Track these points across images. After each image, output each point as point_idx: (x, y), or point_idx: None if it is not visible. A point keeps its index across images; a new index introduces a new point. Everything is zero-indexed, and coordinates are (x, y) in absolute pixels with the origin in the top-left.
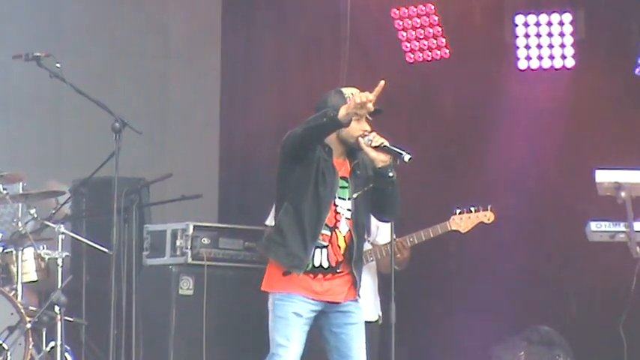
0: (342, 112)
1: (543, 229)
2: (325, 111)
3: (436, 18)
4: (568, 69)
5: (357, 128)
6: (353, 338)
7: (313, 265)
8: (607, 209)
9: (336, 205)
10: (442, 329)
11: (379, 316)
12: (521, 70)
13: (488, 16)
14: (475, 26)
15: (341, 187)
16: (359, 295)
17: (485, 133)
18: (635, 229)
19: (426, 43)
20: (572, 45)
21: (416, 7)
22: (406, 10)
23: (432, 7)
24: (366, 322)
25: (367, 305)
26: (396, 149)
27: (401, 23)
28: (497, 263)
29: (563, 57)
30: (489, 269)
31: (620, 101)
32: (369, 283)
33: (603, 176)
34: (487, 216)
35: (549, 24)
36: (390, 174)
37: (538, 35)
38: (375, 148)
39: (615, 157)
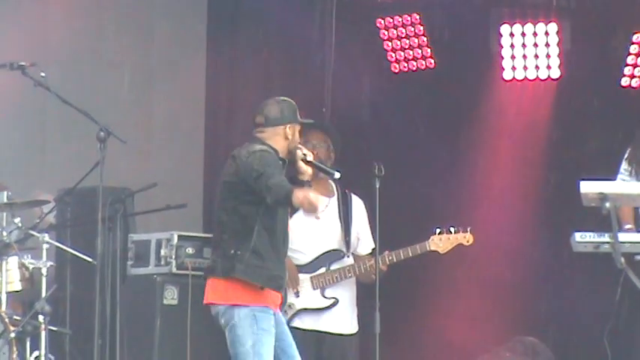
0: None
1: (528, 239)
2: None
3: (421, 28)
4: (554, 79)
5: (298, 139)
6: (292, 341)
7: None
8: (591, 220)
9: None
10: (426, 340)
11: (357, 328)
12: (506, 81)
13: (474, 27)
14: (461, 36)
15: None
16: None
17: (470, 144)
18: (620, 239)
19: (411, 53)
20: (558, 55)
21: (401, 17)
22: (391, 20)
23: (418, 17)
24: (346, 335)
25: (346, 318)
26: (325, 167)
27: (386, 33)
28: (482, 274)
29: (549, 67)
30: (474, 280)
31: (605, 112)
32: (347, 296)
33: (588, 187)
34: (466, 238)
35: (535, 34)
36: (309, 186)
37: (524, 45)
38: (306, 162)
39: (600, 168)
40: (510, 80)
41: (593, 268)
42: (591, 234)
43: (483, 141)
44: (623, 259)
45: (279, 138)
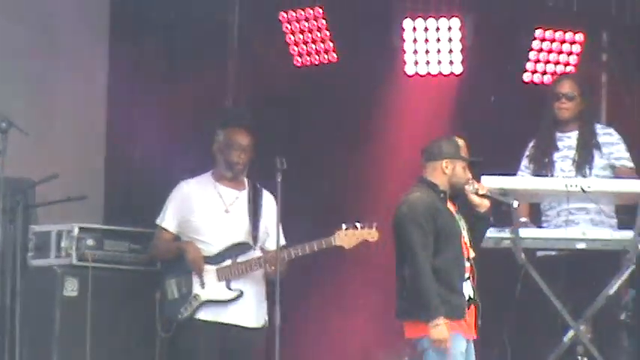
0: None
1: None
2: (431, 306)
3: (324, 21)
4: (456, 75)
5: (465, 175)
6: None
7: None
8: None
9: (463, 237)
10: (328, 333)
11: (265, 321)
12: (409, 76)
13: (377, 21)
14: (363, 30)
15: (460, 220)
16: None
17: (371, 139)
18: (520, 235)
19: (314, 46)
20: (461, 51)
21: (304, 11)
22: (294, 14)
23: (320, 10)
24: (251, 328)
25: (251, 311)
26: (500, 197)
27: (289, 26)
28: (383, 268)
29: (452, 63)
30: (375, 274)
31: (508, 107)
32: (253, 289)
33: (489, 182)
34: (371, 234)
35: (438, 29)
36: (490, 218)
37: (426, 41)
38: (481, 195)
39: (502, 164)
40: (413, 75)
41: (494, 263)
42: (492, 229)
43: (386, 136)
44: (523, 255)
45: (437, 173)
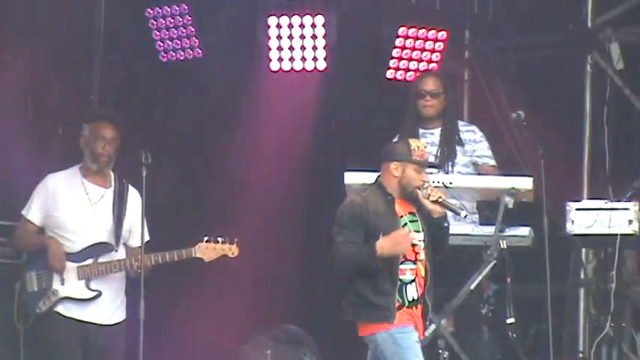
0: (381, 252)
1: (292, 229)
2: (369, 254)
3: (190, 18)
4: (320, 71)
5: (417, 178)
6: None
7: (409, 301)
8: None
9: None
10: (192, 328)
11: (123, 318)
12: (273, 72)
13: (242, 17)
14: (229, 26)
15: (412, 222)
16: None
17: (235, 133)
18: None
19: (179, 42)
20: (325, 47)
21: (170, 7)
22: (160, 10)
23: (186, 7)
24: (115, 324)
25: (110, 310)
26: (452, 206)
27: (155, 22)
28: (247, 263)
29: (315, 59)
30: (238, 270)
31: (370, 103)
32: (113, 288)
33: (352, 178)
34: (232, 250)
35: (302, 26)
36: (445, 224)
37: (291, 37)
38: (432, 202)
39: (364, 159)
40: (277, 71)
41: None
42: None
43: (250, 131)
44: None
45: (388, 175)
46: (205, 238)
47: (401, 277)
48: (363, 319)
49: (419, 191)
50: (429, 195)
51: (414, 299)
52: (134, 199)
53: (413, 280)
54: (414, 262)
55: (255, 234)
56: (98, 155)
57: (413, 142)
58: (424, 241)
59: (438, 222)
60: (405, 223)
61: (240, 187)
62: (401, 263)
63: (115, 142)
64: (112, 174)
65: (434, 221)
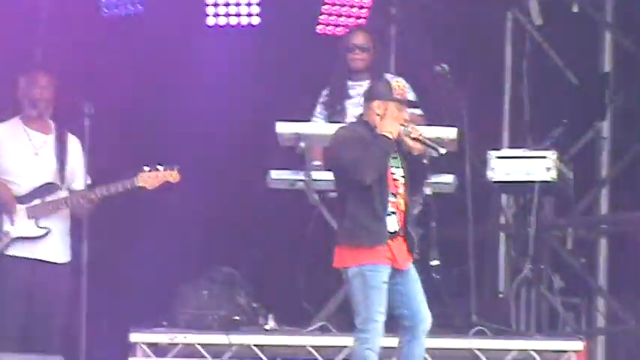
0: (394, 136)
1: (230, 178)
2: (380, 149)
3: None
4: (254, 26)
5: (398, 117)
6: (418, 293)
7: (390, 232)
8: (289, 159)
9: (393, 174)
10: (133, 270)
11: (70, 257)
12: (209, 27)
13: None
14: None
15: (392, 158)
16: (416, 254)
17: (175, 87)
18: (313, 177)
19: None
20: (258, 3)
21: None
22: None
23: None
24: (59, 264)
25: (59, 247)
26: (431, 143)
27: None
28: (187, 210)
29: (249, 15)
30: (179, 214)
31: (302, 57)
32: (60, 226)
33: (284, 128)
34: (172, 175)
35: None
36: (425, 161)
37: None
38: (412, 139)
39: (298, 110)
40: (213, 26)
41: (288, 203)
42: (287, 172)
43: (187, 84)
44: (315, 196)
45: (371, 113)
46: (146, 168)
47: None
48: (356, 242)
49: (401, 129)
50: (410, 132)
51: (395, 231)
52: (74, 144)
53: (393, 212)
54: (395, 196)
55: (193, 184)
56: (36, 101)
57: (394, 82)
58: (404, 177)
59: (418, 159)
60: (393, 158)
61: (180, 136)
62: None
63: (50, 89)
64: (51, 122)
65: (413, 158)
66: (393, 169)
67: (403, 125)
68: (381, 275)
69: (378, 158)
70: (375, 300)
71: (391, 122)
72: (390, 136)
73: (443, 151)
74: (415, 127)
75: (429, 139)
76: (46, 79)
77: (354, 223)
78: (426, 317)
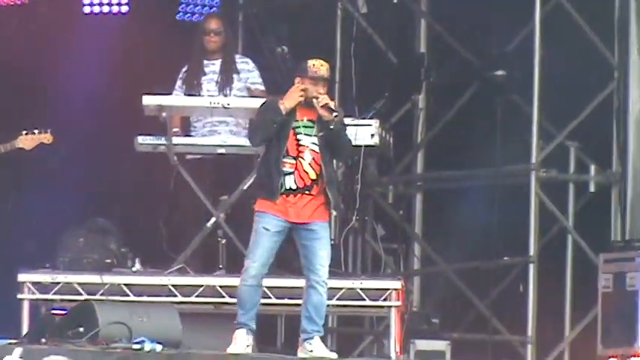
0: (286, 106)
1: (103, 143)
2: (271, 115)
3: None
4: (123, 13)
5: (313, 90)
6: (318, 250)
7: (285, 189)
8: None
9: (298, 140)
10: (19, 220)
11: None
12: (86, 14)
13: None
14: None
15: (306, 127)
16: (333, 212)
17: (58, 66)
18: (173, 142)
19: None
20: None
21: None
22: None
23: None
24: None
25: None
26: (332, 107)
27: None
28: (70, 170)
29: (120, 4)
30: (63, 174)
31: (164, 41)
32: None
33: (149, 100)
34: (47, 137)
35: None
36: (331, 127)
37: None
38: (321, 106)
39: (160, 87)
40: (89, 14)
41: (145, 167)
42: (151, 137)
43: (67, 64)
44: (175, 157)
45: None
46: (24, 132)
47: (282, 168)
48: (257, 195)
49: (315, 100)
50: (319, 102)
51: (291, 188)
52: None
53: (291, 173)
54: (295, 158)
55: (76, 147)
56: None
57: (310, 61)
58: (319, 146)
59: (327, 124)
60: (299, 127)
61: (58, 111)
62: (283, 157)
63: None
64: None
65: (325, 123)
66: (300, 136)
67: (315, 97)
68: (265, 222)
69: (265, 124)
70: (256, 242)
71: (290, 95)
72: (282, 107)
73: (335, 114)
74: (324, 97)
75: (331, 104)
76: None
77: (256, 178)
78: (318, 271)
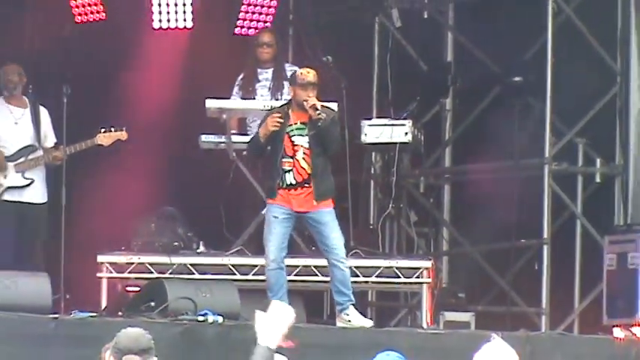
0: (260, 135)
1: (171, 141)
2: (256, 134)
3: None
4: (188, 28)
5: (302, 95)
6: (329, 233)
7: (287, 184)
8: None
9: (293, 141)
10: (96, 209)
11: (47, 199)
12: (155, 29)
13: None
14: None
15: (298, 129)
16: (317, 200)
17: (132, 74)
18: (233, 140)
19: (89, 7)
20: (192, 11)
21: None
22: None
23: None
24: (40, 204)
25: (41, 192)
26: (321, 108)
27: None
28: (141, 165)
29: (185, 20)
30: (135, 168)
31: (223, 52)
32: (41, 176)
33: (212, 103)
34: (122, 135)
35: None
36: (319, 124)
37: None
38: (309, 107)
39: (221, 91)
40: (158, 29)
41: (208, 162)
42: (213, 136)
43: (142, 73)
44: (234, 153)
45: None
46: (102, 129)
47: (282, 167)
48: (263, 192)
49: (305, 103)
50: (307, 103)
51: (291, 183)
52: (44, 114)
53: (290, 170)
54: (292, 157)
55: (143, 143)
56: (7, 82)
57: (299, 70)
58: (309, 143)
59: (315, 121)
60: (292, 130)
61: (132, 115)
62: (282, 158)
63: (18, 76)
64: (25, 98)
65: (314, 123)
66: (294, 137)
67: (305, 100)
68: (273, 212)
69: (255, 145)
70: (268, 230)
71: (265, 125)
72: (260, 135)
73: (323, 115)
74: (312, 99)
75: (318, 106)
76: (16, 69)
77: (263, 178)
78: (334, 250)
